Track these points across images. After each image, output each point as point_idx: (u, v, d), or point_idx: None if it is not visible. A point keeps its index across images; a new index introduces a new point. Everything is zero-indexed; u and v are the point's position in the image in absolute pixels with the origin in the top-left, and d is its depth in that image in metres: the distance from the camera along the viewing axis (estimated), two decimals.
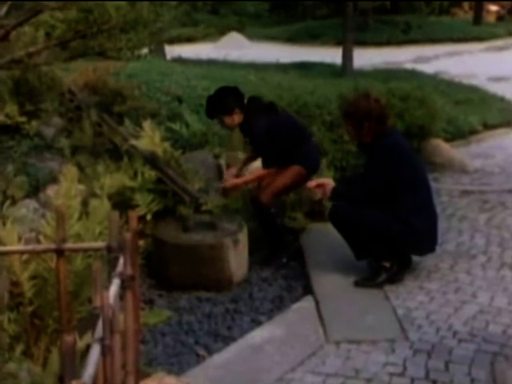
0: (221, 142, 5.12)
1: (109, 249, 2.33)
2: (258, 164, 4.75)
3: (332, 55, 12.01)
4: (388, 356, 3.11)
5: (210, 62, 10.53)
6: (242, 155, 4.84)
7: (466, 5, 21.84)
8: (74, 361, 1.51)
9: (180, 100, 5.50)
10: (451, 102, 8.03)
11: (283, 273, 4.16)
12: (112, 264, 2.26)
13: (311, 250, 4.33)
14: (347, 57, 11.08)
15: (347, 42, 11.20)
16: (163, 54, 10.42)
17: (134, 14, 3.77)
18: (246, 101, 4.24)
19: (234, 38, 17.70)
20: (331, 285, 3.85)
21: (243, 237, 4.04)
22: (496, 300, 3.61)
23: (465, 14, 21.81)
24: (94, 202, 3.57)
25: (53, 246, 2.52)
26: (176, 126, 5.08)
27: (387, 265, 3.82)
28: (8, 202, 3.54)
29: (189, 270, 3.89)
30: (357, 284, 3.80)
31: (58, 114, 4.58)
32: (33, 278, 3.00)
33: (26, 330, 2.93)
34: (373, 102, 3.77)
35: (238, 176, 4.41)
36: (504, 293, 3.68)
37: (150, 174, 4.33)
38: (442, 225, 4.70)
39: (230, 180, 4.35)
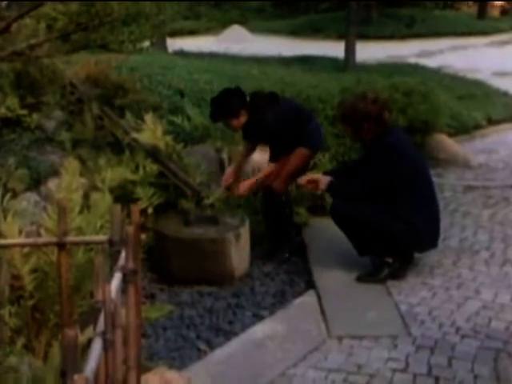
0: (223, 135, 5.09)
1: (111, 242, 2.32)
2: (257, 157, 4.73)
3: (335, 49, 11.97)
4: (390, 352, 3.10)
5: (212, 56, 10.50)
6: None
7: None
8: (75, 355, 1.51)
9: (182, 93, 5.48)
10: (455, 97, 8.00)
11: (285, 267, 4.15)
12: (114, 258, 2.25)
13: (314, 244, 4.32)
14: (350, 51, 11.04)
15: (350, 35, 11.16)
16: (165, 47, 10.40)
17: (136, 7, 3.75)
18: (248, 98, 4.19)
19: (237, 31, 17.66)
20: (333, 280, 3.83)
21: (245, 231, 4.02)
22: (499, 296, 3.59)
23: (469, 8, 21.75)
24: (95, 196, 3.55)
25: (54, 239, 2.51)
26: (178, 120, 5.06)
27: (390, 260, 3.81)
28: (9, 195, 3.52)
29: (190, 265, 3.88)
30: (359, 279, 3.78)
31: (59, 106, 4.56)
32: (34, 271, 2.98)
33: (27, 323, 2.92)
34: (370, 104, 3.70)
35: (237, 174, 4.36)
36: (507, 289, 3.67)
37: (152, 167, 4.32)
38: (445, 220, 4.69)
39: (243, 185, 4.20)
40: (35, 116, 4.30)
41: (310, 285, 3.84)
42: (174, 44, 11.60)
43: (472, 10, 21.10)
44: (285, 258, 4.23)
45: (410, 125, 5.88)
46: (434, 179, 4.04)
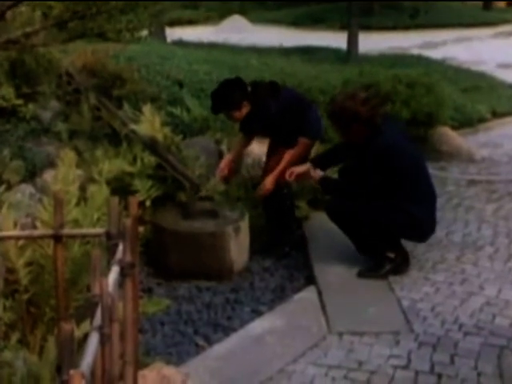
0: (222, 127, 5.04)
1: (108, 235, 2.29)
2: (257, 150, 4.67)
3: (336, 40, 11.91)
4: (392, 348, 3.07)
5: (212, 46, 10.43)
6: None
7: None
8: (72, 350, 1.48)
9: (181, 84, 5.43)
10: (459, 89, 7.95)
11: (285, 262, 4.10)
12: (111, 251, 2.22)
13: (314, 239, 4.27)
14: (352, 42, 10.97)
15: (352, 26, 11.08)
16: (163, 37, 10.34)
17: None
18: (249, 88, 4.11)
19: (236, 21, 17.58)
20: (334, 275, 3.79)
21: (245, 225, 3.97)
22: (503, 292, 3.56)
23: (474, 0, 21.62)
24: (92, 188, 3.52)
25: (50, 231, 2.48)
26: (177, 111, 5.02)
27: (391, 255, 3.77)
28: (4, 187, 3.49)
29: (188, 258, 3.83)
30: (360, 275, 3.73)
31: (55, 97, 4.52)
32: (29, 264, 2.96)
33: (22, 317, 2.89)
34: (359, 104, 3.56)
35: (233, 165, 4.29)
36: (511, 285, 3.62)
37: (150, 159, 4.27)
38: (448, 215, 4.68)
39: (268, 182, 4.09)
40: (31, 106, 4.26)
41: (310, 280, 3.80)
42: (173, 34, 11.53)
43: (477, 1, 20.98)
44: (285, 252, 4.19)
45: (413, 117, 5.83)
46: (437, 173, 4.01)
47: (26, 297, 2.90)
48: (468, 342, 3.09)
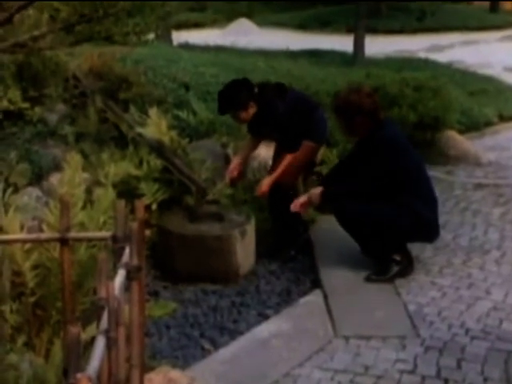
0: (229, 130, 5.04)
1: (114, 239, 2.29)
2: (264, 153, 4.66)
3: (343, 43, 11.90)
4: (398, 353, 3.06)
5: (218, 49, 10.43)
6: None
7: None
8: (78, 353, 1.49)
9: (187, 87, 5.42)
10: (466, 93, 7.93)
11: (291, 265, 4.10)
12: (117, 254, 2.22)
13: (320, 242, 4.26)
14: (359, 45, 10.96)
15: (359, 29, 11.07)
16: (170, 40, 10.36)
17: None
18: (255, 89, 4.11)
19: (243, 24, 17.59)
20: (340, 278, 3.78)
21: (251, 228, 3.97)
22: (510, 297, 3.54)
23: (481, 1, 21.55)
24: (98, 191, 3.53)
25: (56, 235, 2.48)
26: (183, 114, 5.01)
27: (398, 258, 3.75)
28: (10, 190, 3.48)
29: (195, 262, 3.83)
30: (368, 279, 3.71)
31: (62, 100, 4.52)
32: (35, 267, 2.97)
33: (28, 320, 2.90)
34: (364, 97, 3.67)
35: (242, 168, 4.28)
36: None
37: (156, 162, 4.27)
38: (455, 219, 4.66)
39: (265, 184, 4.10)
40: (37, 109, 4.26)
41: (317, 283, 3.79)
42: (180, 37, 11.54)
43: (484, 4, 20.90)
44: (291, 255, 4.18)
45: (420, 121, 5.81)
46: (444, 176, 4.01)
47: (32, 300, 2.91)
48: (475, 347, 3.08)
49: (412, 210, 3.66)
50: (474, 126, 7.07)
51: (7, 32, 3.56)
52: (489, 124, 7.35)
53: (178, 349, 3.18)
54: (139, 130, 4.41)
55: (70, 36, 3.70)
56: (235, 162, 4.27)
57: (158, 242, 3.99)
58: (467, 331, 3.21)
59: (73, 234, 2.56)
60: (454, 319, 3.32)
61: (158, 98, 5.01)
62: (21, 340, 2.73)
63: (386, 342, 3.14)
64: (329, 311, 3.44)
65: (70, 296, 2.52)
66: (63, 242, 2.43)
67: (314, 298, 3.62)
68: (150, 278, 3.81)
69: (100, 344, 1.64)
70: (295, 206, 3.82)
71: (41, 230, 3.21)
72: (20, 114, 4.24)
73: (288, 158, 4.06)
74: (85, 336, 2.58)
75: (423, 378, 2.86)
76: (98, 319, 1.73)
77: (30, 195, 3.82)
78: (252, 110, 4.01)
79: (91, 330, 2.61)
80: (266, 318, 3.44)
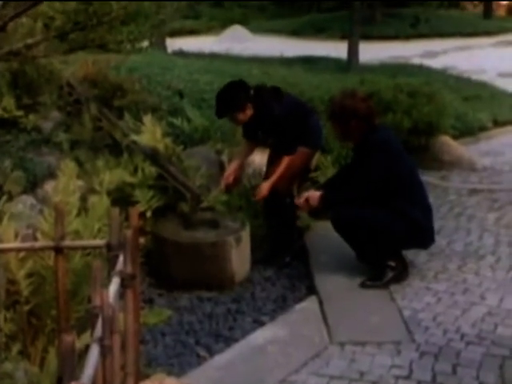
0: (223, 137, 5.04)
1: (109, 246, 2.29)
2: (258, 160, 4.66)
3: (337, 49, 11.96)
4: (394, 358, 3.05)
5: (213, 56, 10.46)
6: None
7: None
8: (73, 361, 1.49)
9: (181, 94, 5.43)
10: (460, 98, 7.96)
11: (286, 272, 4.09)
12: (112, 262, 2.22)
13: (315, 248, 4.26)
14: (353, 51, 11.01)
15: (353, 35, 11.13)
16: (164, 48, 10.38)
17: (135, 6, 3.69)
18: (252, 92, 4.11)
19: (237, 31, 17.66)
20: (335, 284, 3.78)
21: (246, 235, 3.96)
22: (505, 302, 3.53)
23: (474, 7, 21.71)
24: (93, 199, 3.52)
25: (51, 243, 2.48)
26: (177, 121, 5.01)
27: (393, 264, 3.75)
28: (5, 198, 3.48)
29: (190, 269, 3.82)
30: (363, 285, 3.72)
31: (56, 107, 4.52)
32: (30, 275, 2.95)
33: (23, 329, 2.88)
34: (359, 101, 3.71)
35: (237, 172, 4.28)
36: None
37: (151, 169, 4.27)
38: (449, 224, 4.66)
39: (264, 188, 4.07)
40: (32, 117, 4.25)
41: (312, 290, 3.79)
42: (174, 44, 11.57)
43: (478, 10, 21.05)
44: (286, 262, 4.18)
45: (414, 126, 5.83)
46: (439, 182, 4.01)
47: (26, 308, 2.89)
48: (470, 352, 3.07)
49: (407, 216, 3.67)
50: (468, 131, 7.10)
51: (1, 40, 3.57)
52: (483, 129, 7.37)
53: (173, 356, 3.17)
54: (134, 137, 4.41)
55: (64, 44, 3.71)
56: (231, 167, 4.26)
57: (153, 250, 3.98)
58: (462, 336, 3.21)
59: (67, 242, 2.56)
60: (449, 324, 3.31)
61: (153, 105, 5.01)
62: (15, 348, 2.72)
63: (382, 347, 3.14)
64: (324, 317, 3.44)
65: (64, 304, 2.52)
66: (58, 250, 2.43)
67: (310, 304, 3.62)
68: (145, 285, 3.80)
69: (94, 352, 1.64)
70: (299, 201, 3.81)
71: (35, 239, 3.20)
72: (14, 121, 4.24)
73: (285, 161, 4.06)
74: (79, 344, 2.56)
75: (419, 383, 2.86)
76: (92, 327, 1.73)
77: (24, 203, 3.81)
78: (249, 112, 4.02)
79: (86, 338, 2.60)
80: (261, 324, 3.44)
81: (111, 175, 4.06)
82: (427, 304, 3.53)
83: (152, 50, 6.41)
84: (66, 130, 4.48)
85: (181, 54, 10.39)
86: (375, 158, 3.66)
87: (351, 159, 4.12)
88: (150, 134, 4.38)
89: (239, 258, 3.89)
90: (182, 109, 5.23)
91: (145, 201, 4.12)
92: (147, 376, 2.73)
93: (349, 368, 2.99)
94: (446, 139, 6.24)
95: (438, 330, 3.26)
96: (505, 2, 21.46)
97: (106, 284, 1.92)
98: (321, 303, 3.58)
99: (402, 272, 3.78)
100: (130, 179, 4.19)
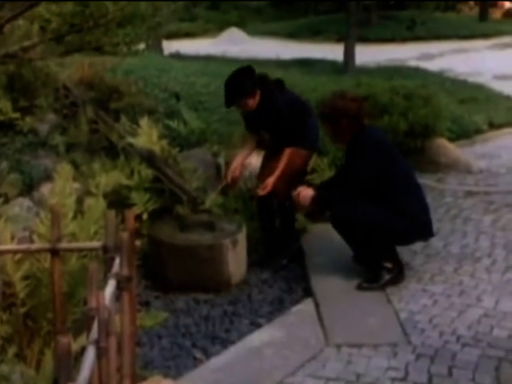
0: (220, 139, 5.04)
1: (105, 249, 2.29)
2: (254, 162, 4.65)
3: (334, 52, 11.97)
4: (390, 360, 3.05)
5: (209, 58, 10.47)
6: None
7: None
8: (69, 363, 1.49)
9: (178, 97, 5.43)
10: (456, 101, 7.97)
11: (283, 274, 4.09)
12: (108, 264, 2.22)
13: (312, 251, 4.26)
14: (349, 53, 11.02)
15: (350, 38, 11.14)
16: (160, 50, 10.38)
17: (131, 8, 3.69)
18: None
19: (234, 33, 17.67)
20: (332, 287, 3.78)
21: (242, 237, 3.96)
22: (501, 304, 3.53)
23: (471, 10, 21.78)
24: (89, 201, 3.51)
25: (47, 245, 2.48)
26: (174, 124, 5.02)
27: (389, 265, 3.76)
28: (1, 200, 3.48)
29: (186, 271, 3.82)
30: (359, 288, 3.72)
31: (52, 110, 4.52)
32: (26, 278, 2.95)
33: (19, 331, 2.88)
34: (349, 101, 3.76)
35: (242, 166, 4.25)
36: (509, 296, 3.61)
37: (147, 172, 4.27)
38: (446, 226, 4.67)
39: (268, 184, 4.03)
40: (28, 119, 4.25)
41: (308, 292, 3.79)
42: (171, 46, 11.57)
43: (474, 12, 21.11)
44: (282, 264, 4.17)
45: (410, 129, 5.83)
46: (435, 184, 4.02)
47: (23, 310, 2.89)
48: (466, 354, 3.07)
49: (406, 213, 3.67)
50: (464, 133, 7.09)
51: None
52: (479, 132, 7.37)
53: (169, 358, 3.17)
54: (130, 139, 4.41)
55: (60, 46, 3.70)
56: (238, 160, 4.20)
57: (150, 252, 3.98)
58: (458, 338, 3.21)
59: (63, 244, 2.56)
60: (445, 326, 3.31)
61: (149, 107, 5.02)
62: (12, 351, 2.72)
63: (378, 349, 3.13)
64: (320, 319, 3.43)
65: (60, 306, 2.52)
66: (54, 252, 2.43)
67: (306, 306, 3.61)
68: (141, 287, 3.80)
69: (90, 354, 1.64)
70: (296, 192, 3.81)
71: (32, 241, 3.19)
72: (11, 124, 4.24)
73: (287, 153, 4.03)
74: (76, 346, 2.56)
75: None
76: (88, 329, 1.74)
77: (20, 206, 3.81)
78: (258, 97, 4.00)
79: (82, 340, 2.60)
80: (258, 326, 3.43)
81: (107, 178, 4.06)
82: (423, 306, 3.53)
83: (148, 52, 6.41)
84: (62, 132, 4.48)
85: (177, 56, 10.39)
86: (366, 156, 3.68)
87: (344, 160, 4.11)
88: (147, 136, 4.38)
89: (236, 261, 3.89)
90: (179, 111, 5.23)
91: (141, 203, 4.12)
92: (144, 378, 2.73)
93: (345, 370, 2.99)
94: (443, 142, 6.24)
95: (434, 332, 3.26)
96: (500, 4, 21.54)
97: (102, 286, 1.92)
98: (317, 305, 3.57)
99: (398, 274, 3.79)
100: (126, 182, 4.18)
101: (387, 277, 3.74)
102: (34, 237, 3.19)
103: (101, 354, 1.71)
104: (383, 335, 3.26)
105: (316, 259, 4.13)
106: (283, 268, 4.15)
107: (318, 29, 17.90)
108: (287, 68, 9.52)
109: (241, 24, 19.27)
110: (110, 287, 1.98)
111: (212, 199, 4.30)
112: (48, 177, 3.96)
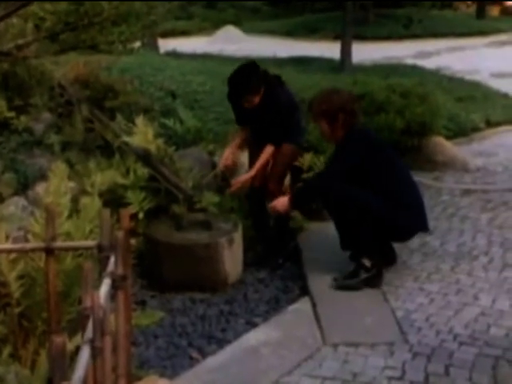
0: (216, 138, 5.03)
1: (100, 248, 2.28)
2: (242, 159, 4.64)
3: (331, 50, 11.96)
4: (387, 359, 3.04)
5: (206, 57, 10.45)
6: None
7: None
8: (63, 363, 1.47)
9: (174, 95, 5.42)
10: (453, 99, 7.97)
11: (279, 273, 4.08)
12: (103, 263, 2.21)
13: (308, 249, 4.25)
14: (346, 52, 11.02)
15: (346, 36, 11.15)
16: (156, 48, 10.37)
17: (126, 6, 3.68)
18: None
19: (230, 31, 17.65)
20: (329, 286, 3.76)
21: (238, 236, 3.95)
22: (498, 302, 3.53)
23: (467, 7, 21.80)
24: (84, 200, 3.49)
25: (42, 244, 2.47)
26: (170, 122, 5.00)
27: (367, 264, 3.68)
28: None
29: (182, 270, 3.81)
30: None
31: (47, 109, 4.49)
32: (21, 277, 2.93)
33: (14, 331, 2.86)
34: (346, 95, 3.78)
35: (234, 155, 4.24)
36: (506, 295, 3.61)
37: (143, 171, 4.25)
38: (442, 225, 4.66)
39: (238, 182, 4.09)
40: (23, 118, 4.23)
41: (305, 291, 3.78)
42: (166, 45, 11.57)
43: (471, 10, 21.13)
44: (279, 263, 4.16)
45: (407, 127, 5.82)
46: (432, 182, 4.01)
47: (17, 310, 2.87)
48: (463, 353, 3.07)
49: (402, 203, 3.67)
50: (461, 131, 7.10)
51: None
52: (476, 130, 7.38)
53: (165, 358, 3.16)
54: (126, 138, 4.39)
55: (55, 45, 3.69)
56: (228, 150, 4.23)
57: (146, 251, 3.96)
58: (455, 337, 3.20)
59: (58, 243, 2.54)
60: (442, 325, 3.31)
61: (145, 106, 5.00)
62: (6, 351, 2.70)
63: (375, 348, 3.13)
64: (317, 318, 3.42)
65: (55, 306, 2.50)
66: (48, 251, 2.42)
67: (303, 305, 3.60)
68: (137, 287, 3.78)
69: (85, 354, 1.62)
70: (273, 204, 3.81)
71: (26, 240, 3.18)
72: (5, 123, 4.22)
73: (268, 150, 4.02)
74: (71, 346, 2.55)
75: None
76: (83, 329, 1.72)
77: (15, 205, 3.79)
78: (261, 94, 3.99)
79: (77, 339, 2.58)
80: (254, 326, 3.42)
81: (103, 177, 4.04)
82: (420, 305, 3.52)
83: (144, 50, 6.40)
84: (57, 131, 4.46)
85: (174, 54, 10.37)
86: (350, 145, 3.68)
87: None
88: (142, 135, 4.36)
89: (232, 260, 3.88)
90: (175, 110, 5.22)
91: (137, 202, 4.10)
92: (140, 378, 2.72)
93: (342, 369, 2.98)
94: (440, 140, 6.24)
95: (431, 331, 3.26)
96: (508, 3, 21.53)
97: (97, 285, 1.91)
98: (314, 304, 3.56)
99: (376, 277, 3.68)
100: (121, 181, 4.17)
101: (363, 275, 3.66)
102: (29, 236, 3.17)
103: (96, 353, 1.70)
104: (380, 334, 3.26)
105: (313, 258, 4.12)
106: (280, 267, 4.15)
107: (315, 27, 17.90)
108: (284, 66, 9.52)
109: (237, 22, 19.26)
110: (105, 286, 1.97)
111: (210, 175, 4.28)
112: (43, 176, 3.95)
